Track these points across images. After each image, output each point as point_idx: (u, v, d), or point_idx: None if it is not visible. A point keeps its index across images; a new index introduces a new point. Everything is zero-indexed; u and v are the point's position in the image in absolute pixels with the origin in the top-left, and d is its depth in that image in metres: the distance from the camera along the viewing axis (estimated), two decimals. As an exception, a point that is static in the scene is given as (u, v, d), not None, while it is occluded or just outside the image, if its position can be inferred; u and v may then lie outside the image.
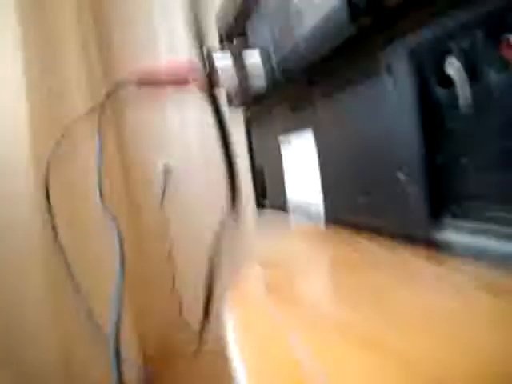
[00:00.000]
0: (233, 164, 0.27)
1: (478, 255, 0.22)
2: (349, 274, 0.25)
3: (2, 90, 1.24)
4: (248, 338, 0.19)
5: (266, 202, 0.55)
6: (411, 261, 0.25)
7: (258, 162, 0.56)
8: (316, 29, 0.28)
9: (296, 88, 0.40)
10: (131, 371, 1.43)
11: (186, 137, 1.60)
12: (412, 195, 0.26)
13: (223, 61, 0.41)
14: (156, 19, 1.49)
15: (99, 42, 1.59)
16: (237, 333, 0.20)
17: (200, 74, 0.42)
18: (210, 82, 0.25)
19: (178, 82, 0.43)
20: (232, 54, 0.41)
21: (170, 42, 1.55)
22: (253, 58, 0.41)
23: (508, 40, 0.20)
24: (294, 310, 0.21)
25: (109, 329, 0.25)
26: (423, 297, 0.19)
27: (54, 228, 0.38)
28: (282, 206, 0.49)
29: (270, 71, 0.40)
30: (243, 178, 0.71)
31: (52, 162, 0.38)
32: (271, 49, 0.38)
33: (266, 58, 0.40)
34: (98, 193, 0.33)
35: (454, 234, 0.24)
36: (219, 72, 0.41)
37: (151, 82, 0.43)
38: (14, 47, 1.21)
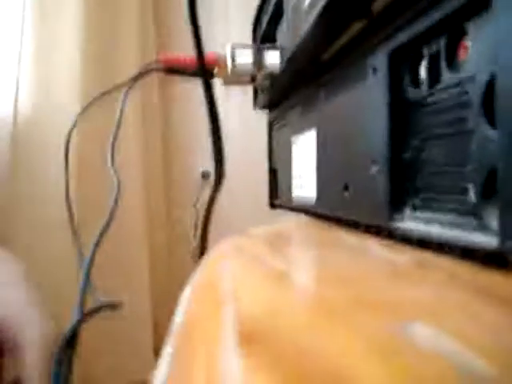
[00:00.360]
0: (221, 153, 0.29)
1: (429, 241, 0.24)
2: (310, 249, 0.27)
3: (59, 50, 1.29)
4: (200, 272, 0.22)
5: (278, 202, 0.58)
6: (368, 245, 0.27)
7: (274, 164, 0.59)
8: (309, 31, 0.31)
9: (305, 90, 0.42)
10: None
11: (227, 140, 1.63)
12: (381, 188, 0.28)
13: (244, 58, 0.44)
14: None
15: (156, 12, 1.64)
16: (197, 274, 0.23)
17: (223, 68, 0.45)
18: (205, 70, 0.27)
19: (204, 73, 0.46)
20: (254, 52, 0.44)
21: (225, 28, 1.61)
22: (273, 58, 0.44)
23: (464, 43, 0.22)
24: (245, 260, 0.23)
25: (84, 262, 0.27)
26: (350, 261, 0.22)
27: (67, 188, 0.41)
28: (288, 204, 0.52)
29: (286, 73, 0.43)
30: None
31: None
32: (287, 51, 0.41)
33: (284, 59, 0.43)
34: (109, 159, 0.36)
35: (412, 224, 0.26)
36: (239, 68, 0.44)
37: (178, 71, 0.46)
38: (74, 12, 1.27)
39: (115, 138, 0.38)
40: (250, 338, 0.11)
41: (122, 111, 0.42)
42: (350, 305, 0.15)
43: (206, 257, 0.26)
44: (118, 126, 0.39)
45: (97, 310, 0.24)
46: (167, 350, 0.15)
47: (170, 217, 1.73)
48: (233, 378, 0.10)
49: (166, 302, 1.62)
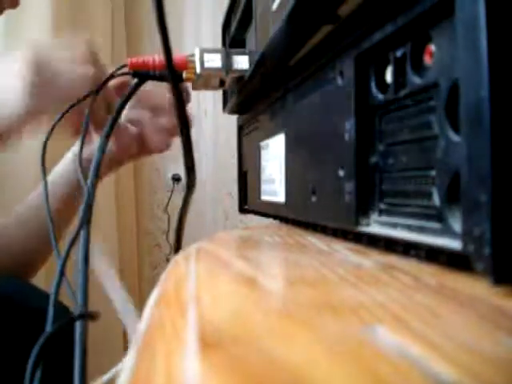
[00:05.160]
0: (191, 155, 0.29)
1: (395, 245, 0.24)
2: (276, 253, 0.27)
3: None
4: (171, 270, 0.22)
5: (247, 206, 0.57)
6: (334, 248, 0.27)
7: (244, 168, 0.58)
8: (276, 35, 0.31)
9: (274, 95, 0.42)
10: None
11: (200, 142, 1.63)
12: (348, 192, 0.28)
13: (213, 62, 0.44)
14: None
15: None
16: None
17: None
18: (175, 75, 0.27)
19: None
20: (223, 57, 0.44)
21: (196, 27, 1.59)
22: (242, 63, 0.44)
23: (429, 49, 0.22)
24: (210, 264, 0.23)
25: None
26: (316, 264, 0.22)
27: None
28: (257, 209, 0.52)
29: (254, 77, 0.43)
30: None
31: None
32: (256, 55, 0.41)
33: (253, 64, 0.43)
34: (77, 162, 0.36)
35: (378, 228, 0.26)
36: (206, 73, 0.44)
37: (146, 75, 0.45)
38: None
39: (83, 142, 0.38)
40: (210, 343, 0.11)
41: (88, 116, 0.41)
42: (315, 308, 0.15)
43: (172, 261, 0.26)
44: (85, 131, 0.39)
45: (71, 321, 0.23)
46: (130, 355, 0.15)
47: (141, 222, 1.71)
48: (191, 382, 0.09)
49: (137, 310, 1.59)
